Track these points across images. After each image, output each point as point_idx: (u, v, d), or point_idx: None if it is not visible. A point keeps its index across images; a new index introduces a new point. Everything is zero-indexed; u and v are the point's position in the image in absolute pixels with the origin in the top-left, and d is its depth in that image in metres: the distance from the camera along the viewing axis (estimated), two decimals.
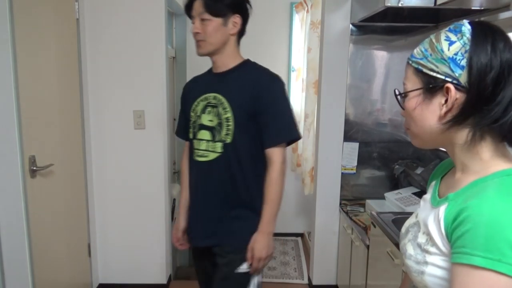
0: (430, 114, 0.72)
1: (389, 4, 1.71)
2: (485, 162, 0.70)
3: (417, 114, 0.74)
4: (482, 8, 1.72)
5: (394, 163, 2.45)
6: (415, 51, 0.75)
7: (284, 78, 3.48)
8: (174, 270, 2.89)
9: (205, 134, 1.44)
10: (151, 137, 2.42)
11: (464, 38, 0.67)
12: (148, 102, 2.40)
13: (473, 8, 1.73)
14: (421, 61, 0.72)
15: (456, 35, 0.68)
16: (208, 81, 1.51)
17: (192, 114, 1.48)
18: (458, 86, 0.68)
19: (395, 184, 2.44)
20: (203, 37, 1.43)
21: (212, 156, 1.43)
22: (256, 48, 3.25)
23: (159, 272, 2.59)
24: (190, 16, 1.45)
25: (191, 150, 1.50)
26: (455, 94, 0.68)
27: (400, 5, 1.71)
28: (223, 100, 1.42)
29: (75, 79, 2.24)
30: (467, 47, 0.67)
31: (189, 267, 3.16)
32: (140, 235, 2.54)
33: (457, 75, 0.67)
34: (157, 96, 2.41)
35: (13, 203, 1.71)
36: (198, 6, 1.40)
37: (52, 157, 1.96)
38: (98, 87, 2.37)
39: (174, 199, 2.80)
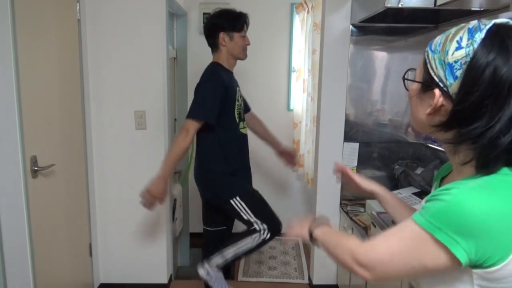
0: (421, 108, 0.75)
1: (389, 5, 1.72)
2: (471, 166, 0.70)
3: (413, 103, 0.78)
4: (482, 9, 1.73)
5: (394, 163, 2.46)
6: (435, 39, 0.73)
7: (284, 78, 3.52)
8: (175, 270, 2.90)
9: (243, 116, 2.19)
10: (152, 137, 2.43)
11: (471, 47, 0.65)
12: (149, 103, 2.41)
13: (473, 9, 1.73)
14: (430, 55, 0.72)
15: (468, 40, 0.66)
16: (232, 78, 2.13)
17: (237, 102, 2.10)
18: (447, 94, 0.69)
19: (395, 184, 2.45)
20: None
21: (246, 128, 2.22)
22: (257, 48, 3.26)
23: (160, 272, 2.60)
24: (243, 30, 2.07)
25: (235, 126, 2.10)
26: (440, 100, 0.69)
27: (400, 6, 1.71)
28: (239, 90, 2.18)
29: (76, 80, 2.25)
30: (468, 59, 0.65)
31: (190, 267, 3.17)
32: (141, 235, 2.55)
33: (448, 83, 0.68)
34: (158, 97, 2.41)
35: (14, 203, 1.72)
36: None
37: (54, 157, 1.97)
38: (99, 87, 2.38)
39: (175, 199, 2.80)
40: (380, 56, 2.39)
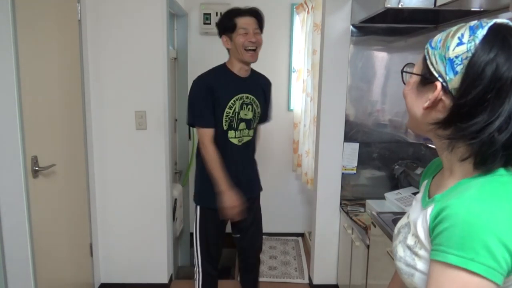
0: (418, 102, 0.74)
1: (389, 5, 1.72)
2: (469, 164, 0.69)
3: (409, 97, 0.77)
4: (482, 10, 1.73)
5: (394, 163, 2.46)
6: (435, 37, 0.73)
7: (284, 78, 3.53)
8: (176, 270, 2.90)
9: (243, 125, 1.96)
10: (153, 137, 2.44)
11: (473, 43, 0.65)
12: (149, 103, 2.41)
13: (472, 9, 1.74)
14: (430, 51, 0.72)
15: (470, 36, 0.66)
16: (237, 84, 1.94)
17: (227, 110, 1.90)
18: (446, 89, 0.68)
19: (395, 184, 2.46)
20: (257, 46, 1.91)
21: (246, 139, 1.99)
22: None
23: (161, 272, 2.60)
24: (237, 28, 1.88)
25: (221, 133, 1.92)
26: (440, 94, 0.68)
27: (400, 6, 1.72)
28: (255, 99, 1.97)
29: (77, 80, 2.25)
30: (469, 55, 0.64)
31: (190, 267, 3.18)
32: (142, 235, 2.55)
33: (447, 78, 0.67)
34: (158, 97, 2.42)
35: (15, 203, 1.72)
36: (252, 22, 1.90)
37: (54, 158, 1.98)
38: (100, 87, 2.38)
39: (176, 199, 2.81)
40: (380, 57, 2.40)
